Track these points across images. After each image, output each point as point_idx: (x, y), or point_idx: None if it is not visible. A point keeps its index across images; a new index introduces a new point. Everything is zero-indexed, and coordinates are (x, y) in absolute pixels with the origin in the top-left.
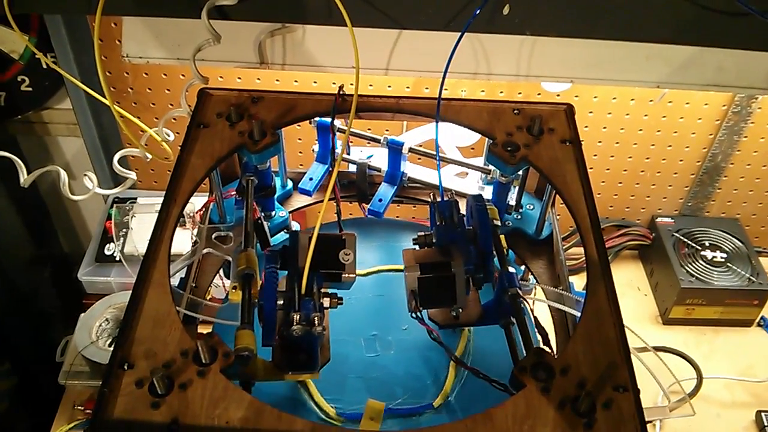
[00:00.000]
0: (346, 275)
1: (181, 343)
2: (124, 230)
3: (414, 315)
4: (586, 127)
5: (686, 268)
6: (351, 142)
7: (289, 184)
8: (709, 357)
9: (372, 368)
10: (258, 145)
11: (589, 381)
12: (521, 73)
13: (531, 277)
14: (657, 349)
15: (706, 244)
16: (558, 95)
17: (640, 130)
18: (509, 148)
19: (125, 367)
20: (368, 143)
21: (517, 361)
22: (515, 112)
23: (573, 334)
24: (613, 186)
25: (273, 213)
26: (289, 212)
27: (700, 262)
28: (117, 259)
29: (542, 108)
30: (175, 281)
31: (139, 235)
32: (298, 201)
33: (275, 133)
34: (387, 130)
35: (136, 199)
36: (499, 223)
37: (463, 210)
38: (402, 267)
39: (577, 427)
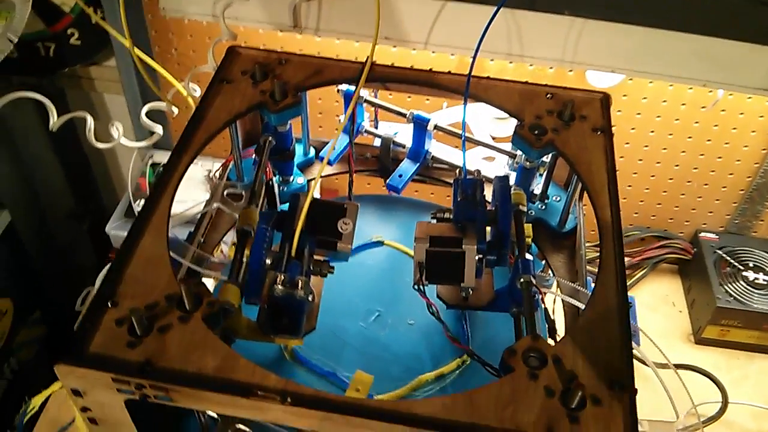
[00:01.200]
0: (342, 245)
1: (168, 287)
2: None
3: (416, 287)
4: (633, 129)
5: (725, 287)
6: (379, 116)
7: (312, 152)
8: (739, 383)
9: (372, 344)
10: (278, 105)
11: (583, 374)
12: (557, 57)
13: (550, 272)
14: (682, 366)
15: (750, 264)
16: None
17: (690, 137)
18: (536, 132)
19: (109, 305)
20: (398, 118)
21: None
22: (548, 96)
23: (574, 324)
24: (657, 194)
25: (291, 178)
26: (308, 180)
27: (741, 282)
28: None
29: (577, 94)
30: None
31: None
32: (316, 170)
33: (297, 95)
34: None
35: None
36: (525, 209)
37: (489, 194)
38: None
39: (562, 418)
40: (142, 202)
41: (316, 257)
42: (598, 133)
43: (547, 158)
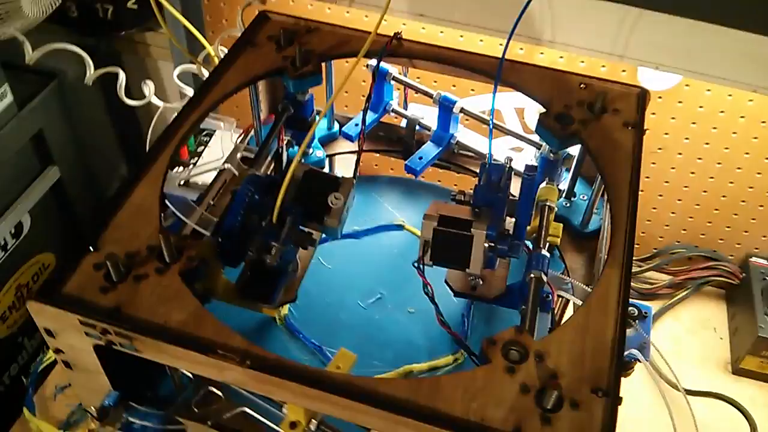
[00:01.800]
0: (330, 219)
1: (152, 238)
2: (195, 159)
3: (417, 264)
4: (687, 139)
5: None
6: (410, 99)
7: (336, 127)
8: None
9: (367, 325)
10: (297, 72)
11: (565, 374)
12: (604, 49)
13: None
14: (713, 395)
15: None
16: (660, 97)
17: (747, 153)
18: (562, 121)
19: (91, 249)
20: (427, 101)
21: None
22: (581, 86)
23: (565, 321)
24: (708, 212)
25: (310, 151)
26: (328, 155)
27: None
28: (179, 183)
29: (612, 87)
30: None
31: (206, 166)
32: (340, 146)
33: (319, 64)
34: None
35: (215, 132)
36: (554, 205)
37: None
38: None
39: (533, 417)
40: (179, 170)
41: (309, 230)
42: (629, 128)
43: (575, 152)
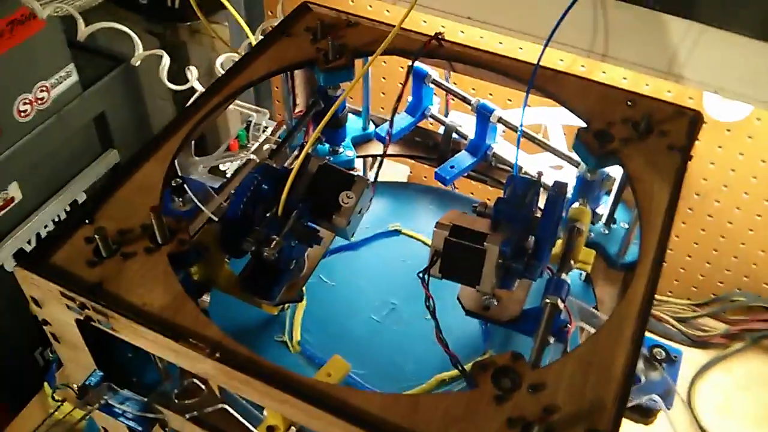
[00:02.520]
0: (338, 218)
1: (148, 217)
2: (244, 152)
3: (421, 275)
4: (755, 178)
5: None
6: (453, 107)
7: (371, 128)
8: None
9: (389, 339)
10: (328, 65)
11: (560, 410)
12: (659, 67)
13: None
14: None
15: None
16: (729, 129)
17: None
18: (601, 138)
19: (86, 221)
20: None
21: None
22: (628, 103)
23: (570, 351)
24: None
25: (340, 149)
26: (357, 156)
27: None
28: (201, 169)
29: (662, 106)
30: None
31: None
32: (372, 148)
33: (352, 59)
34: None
35: (267, 128)
36: (584, 228)
37: None
38: None
39: None
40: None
41: (317, 228)
42: (674, 151)
43: (616, 176)
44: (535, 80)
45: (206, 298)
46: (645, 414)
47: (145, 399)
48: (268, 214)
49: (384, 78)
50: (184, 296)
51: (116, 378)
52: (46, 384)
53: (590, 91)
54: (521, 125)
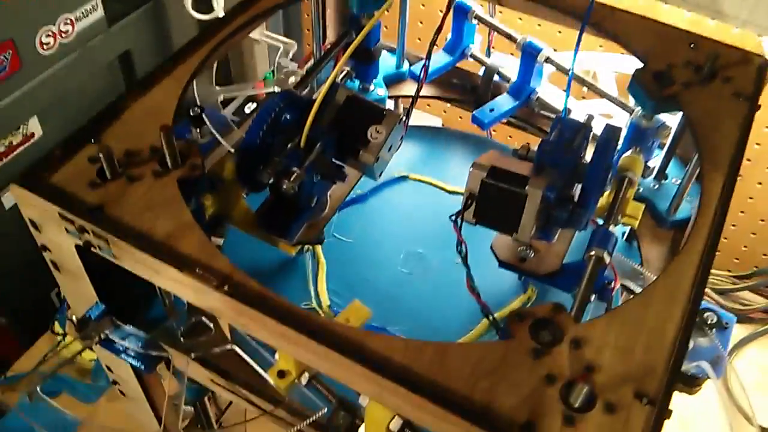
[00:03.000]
0: (366, 154)
1: (158, 140)
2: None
3: (453, 218)
4: None
5: None
6: (493, 46)
7: (406, 66)
8: None
9: (399, 285)
10: None
11: (604, 370)
12: (707, 5)
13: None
14: None
15: None
16: None
17: None
18: (660, 80)
19: (92, 140)
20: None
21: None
22: (691, 45)
23: (617, 307)
24: None
25: (370, 87)
26: (389, 96)
27: None
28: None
29: (728, 51)
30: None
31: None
32: (405, 88)
33: None
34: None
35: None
36: (635, 178)
37: None
38: None
39: (553, 414)
40: (252, 105)
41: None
42: (741, 99)
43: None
44: (593, 17)
45: (219, 241)
46: (690, 382)
47: (148, 336)
48: (289, 145)
49: (423, 5)
50: (192, 224)
51: (119, 312)
52: (57, 322)
53: (650, 30)
54: (573, 63)
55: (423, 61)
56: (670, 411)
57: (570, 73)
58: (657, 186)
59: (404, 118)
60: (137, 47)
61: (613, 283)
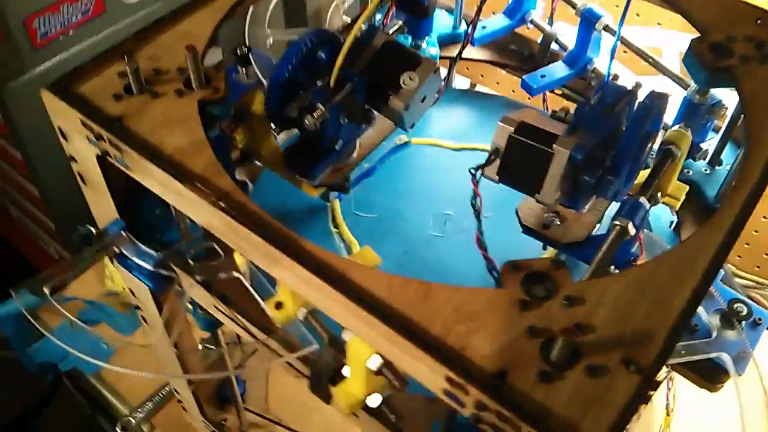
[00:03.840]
0: (396, 100)
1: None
2: None
3: (473, 170)
4: None
5: None
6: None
7: (462, 27)
8: None
9: (425, 246)
10: None
11: (596, 330)
12: None
13: None
14: None
15: None
16: None
17: None
18: (717, 52)
19: (125, 57)
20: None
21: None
22: (758, 21)
23: (625, 270)
24: None
25: (422, 44)
26: (442, 57)
27: None
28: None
29: None
30: None
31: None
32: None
33: None
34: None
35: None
36: (679, 153)
37: None
38: None
39: (528, 367)
40: None
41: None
42: None
43: (726, 107)
44: None
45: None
46: (711, 377)
47: (160, 255)
48: (319, 83)
49: None
50: (203, 143)
51: (139, 232)
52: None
53: (715, 2)
54: (621, 21)
55: (482, 23)
56: (658, 383)
57: (617, 36)
58: (709, 171)
59: (439, 69)
60: None
61: (637, 260)
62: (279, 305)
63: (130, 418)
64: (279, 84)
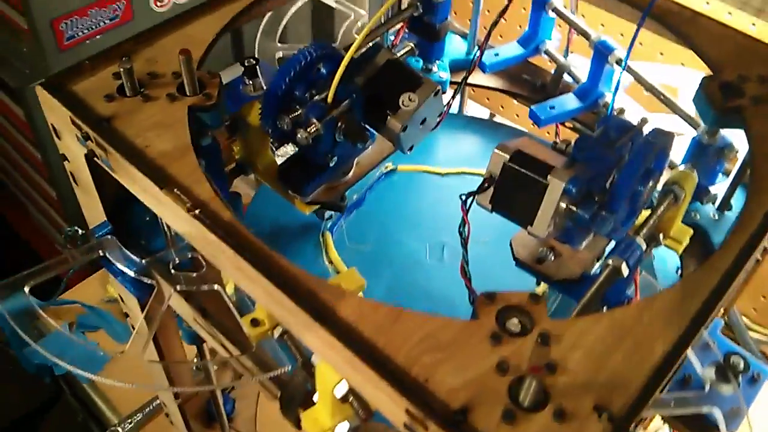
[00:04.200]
0: (393, 121)
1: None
2: None
3: (463, 197)
4: None
5: None
6: (571, 41)
7: (475, 53)
8: None
9: (418, 273)
10: None
11: (568, 372)
12: None
13: None
14: None
15: None
16: None
17: None
18: (728, 91)
19: (123, 58)
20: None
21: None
22: None
23: (608, 311)
24: None
25: (433, 68)
26: (452, 81)
27: None
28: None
29: None
30: None
31: None
32: (472, 76)
33: None
34: None
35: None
36: (682, 195)
37: None
38: None
39: (493, 405)
40: None
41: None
42: None
43: (737, 150)
44: (670, 19)
45: (249, 191)
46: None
47: (142, 261)
48: (315, 97)
49: None
50: (188, 148)
51: (127, 236)
52: None
53: (730, 40)
54: (626, 57)
55: (489, 49)
56: None
57: (623, 66)
58: (716, 216)
59: (440, 91)
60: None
61: (630, 302)
62: (255, 322)
63: (119, 428)
64: (275, 95)
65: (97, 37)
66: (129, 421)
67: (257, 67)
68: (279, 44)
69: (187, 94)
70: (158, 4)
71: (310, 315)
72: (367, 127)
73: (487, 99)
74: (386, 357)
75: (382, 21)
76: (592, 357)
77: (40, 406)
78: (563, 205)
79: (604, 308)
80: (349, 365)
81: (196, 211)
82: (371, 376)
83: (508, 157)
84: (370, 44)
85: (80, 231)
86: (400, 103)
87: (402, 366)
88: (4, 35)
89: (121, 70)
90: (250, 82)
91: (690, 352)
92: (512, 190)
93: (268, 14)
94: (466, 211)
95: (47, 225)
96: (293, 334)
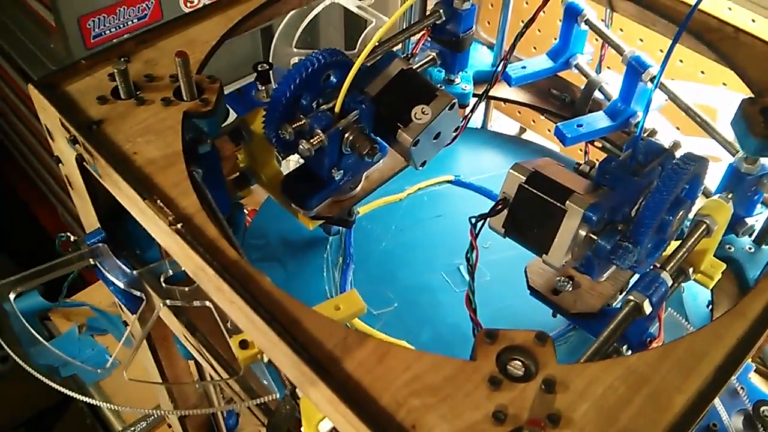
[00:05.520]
0: (404, 134)
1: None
2: None
3: (473, 220)
4: None
5: None
6: (604, 56)
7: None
8: None
9: (428, 298)
10: None
11: (573, 425)
12: None
13: None
14: None
15: None
16: None
17: None
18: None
19: (122, 59)
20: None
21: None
22: None
23: (624, 356)
24: None
25: (456, 79)
26: (475, 94)
27: None
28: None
29: None
30: None
31: None
32: (497, 89)
33: None
34: None
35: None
36: (715, 226)
37: None
38: None
39: None
40: None
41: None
42: None
43: None
44: (709, 36)
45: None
46: None
47: (134, 272)
48: (322, 107)
49: (526, 3)
50: (178, 156)
51: (119, 244)
52: None
53: None
54: (659, 75)
55: (517, 61)
56: None
57: (655, 83)
58: (753, 249)
59: (456, 105)
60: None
61: (654, 341)
62: (244, 344)
63: None
64: (279, 102)
65: (125, 36)
66: (132, 428)
67: (270, 72)
68: (295, 49)
69: (184, 98)
70: (188, 4)
71: (289, 347)
72: (379, 139)
73: (518, 113)
74: (371, 398)
75: (404, 27)
76: (601, 409)
77: (55, 404)
78: (582, 233)
79: (625, 348)
80: (330, 404)
81: (178, 225)
82: (351, 418)
83: (524, 178)
84: (381, 53)
85: (72, 237)
86: (413, 115)
87: (387, 409)
88: (34, 31)
89: (116, 71)
90: (263, 88)
91: (716, 399)
92: (527, 214)
93: (287, 18)
94: (475, 236)
95: (76, 227)
96: (276, 365)
